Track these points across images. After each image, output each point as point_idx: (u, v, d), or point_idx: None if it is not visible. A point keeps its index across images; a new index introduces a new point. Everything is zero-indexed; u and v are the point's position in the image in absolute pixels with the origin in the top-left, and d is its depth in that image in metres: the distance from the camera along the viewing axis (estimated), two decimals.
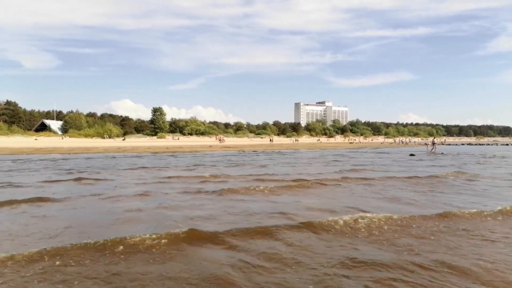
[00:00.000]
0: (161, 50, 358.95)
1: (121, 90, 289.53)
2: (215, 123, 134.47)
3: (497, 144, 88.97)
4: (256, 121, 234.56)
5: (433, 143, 46.14)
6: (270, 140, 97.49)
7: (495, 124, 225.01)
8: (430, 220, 7.14)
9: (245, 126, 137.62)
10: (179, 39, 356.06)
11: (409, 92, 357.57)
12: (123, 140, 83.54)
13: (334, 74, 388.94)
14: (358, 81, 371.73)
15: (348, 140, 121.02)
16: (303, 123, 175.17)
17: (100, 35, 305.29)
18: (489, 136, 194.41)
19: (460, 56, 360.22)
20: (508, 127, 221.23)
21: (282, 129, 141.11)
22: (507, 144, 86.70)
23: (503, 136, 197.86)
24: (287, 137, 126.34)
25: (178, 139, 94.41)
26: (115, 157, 30.16)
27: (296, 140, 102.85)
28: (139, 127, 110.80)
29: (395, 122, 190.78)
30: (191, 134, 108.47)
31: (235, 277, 4.36)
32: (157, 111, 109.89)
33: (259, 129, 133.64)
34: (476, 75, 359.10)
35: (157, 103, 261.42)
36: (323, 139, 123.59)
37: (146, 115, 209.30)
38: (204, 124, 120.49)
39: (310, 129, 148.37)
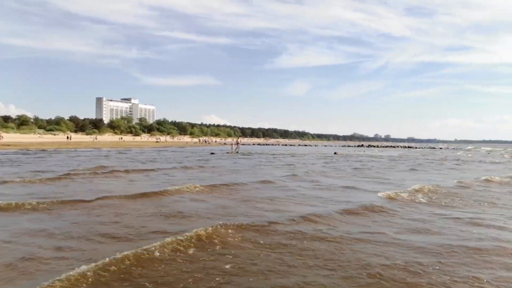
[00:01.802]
0: None
1: None
2: None
3: (279, 145, 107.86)
4: (48, 115, 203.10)
5: (237, 143, 50.68)
6: (68, 137, 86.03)
7: (278, 128, 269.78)
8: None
9: (32, 120, 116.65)
10: None
11: (213, 96, 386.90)
12: None
13: (141, 71, 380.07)
14: (166, 80, 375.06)
15: (155, 139, 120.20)
16: (106, 120, 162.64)
17: None
18: (274, 138, 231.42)
19: (254, 67, 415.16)
20: (287, 131, 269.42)
21: (80, 126, 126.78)
22: (289, 145, 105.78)
23: (283, 138, 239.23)
24: (87, 134, 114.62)
25: None
26: None
27: (95, 138, 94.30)
28: None
29: (199, 122, 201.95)
30: None
31: None
32: None
33: (52, 125, 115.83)
34: (266, 85, 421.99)
35: None
36: (129, 138, 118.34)
37: None
38: None
39: (114, 127, 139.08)
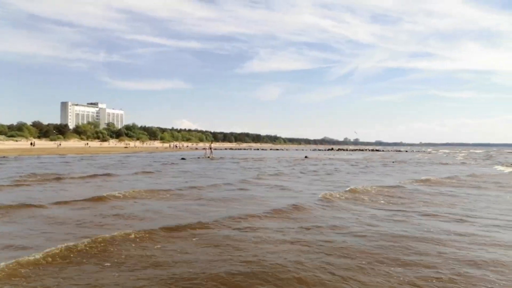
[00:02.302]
0: None
1: None
2: None
3: (251, 149, 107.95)
4: (9, 120, 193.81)
5: (210, 148, 50.23)
6: (31, 144, 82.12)
7: (250, 132, 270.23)
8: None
9: None
10: None
11: (184, 100, 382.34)
12: None
13: (109, 75, 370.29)
14: (135, 84, 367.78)
15: (124, 144, 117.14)
16: (72, 125, 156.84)
17: None
18: (246, 142, 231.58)
19: (225, 72, 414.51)
20: (259, 135, 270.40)
21: (44, 131, 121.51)
22: (261, 149, 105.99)
23: (255, 142, 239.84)
24: (51, 140, 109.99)
25: None
26: None
27: (59, 144, 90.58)
28: None
29: (170, 127, 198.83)
30: None
31: None
32: None
33: (13, 131, 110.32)
34: (238, 90, 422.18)
35: None
36: (96, 143, 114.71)
37: None
38: None
39: (80, 132, 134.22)
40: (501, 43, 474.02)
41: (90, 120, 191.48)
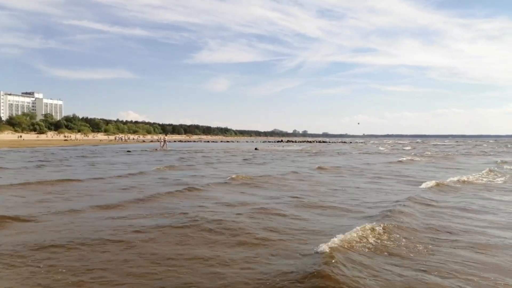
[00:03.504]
0: None
1: None
2: None
3: (201, 141, 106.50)
4: None
5: (164, 141, 49.58)
6: None
7: (200, 124, 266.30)
8: None
9: None
10: None
11: (130, 91, 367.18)
12: None
13: (46, 62, 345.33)
14: (75, 73, 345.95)
15: (63, 137, 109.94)
16: (4, 117, 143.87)
17: None
18: (196, 134, 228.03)
19: (173, 62, 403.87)
20: (210, 127, 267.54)
21: None
22: (212, 141, 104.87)
23: (206, 134, 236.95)
24: None
25: None
26: None
27: None
28: None
29: (115, 119, 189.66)
30: None
31: None
32: None
33: None
34: (187, 81, 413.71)
35: None
36: (32, 136, 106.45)
37: None
38: None
39: (14, 124, 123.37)
40: (436, 40, 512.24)
41: (25, 111, 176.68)
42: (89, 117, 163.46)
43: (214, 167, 20.15)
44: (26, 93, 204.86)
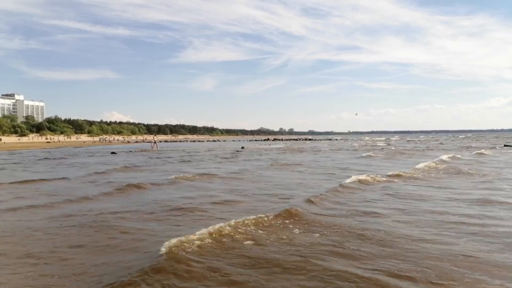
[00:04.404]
0: None
1: None
2: None
3: (187, 141, 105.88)
4: None
5: (155, 142, 49.29)
6: None
7: (186, 124, 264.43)
8: None
9: None
10: None
11: (114, 91, 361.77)
12: None
13: (27, 63, 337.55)
14: (57, 74, 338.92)
15: (46, 139, 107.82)
16: None
17: None
18: (182, 134, 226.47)
19: (158, 61, 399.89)
20: (196, 127, 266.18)
21: None
22: (198, 141, 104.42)
23: (192, 134, 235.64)
24: None
25: None
26: None
27: None
28: None
29: (99, 120, 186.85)
30: None
31: None
32: None
33: None
34: (172, 80, 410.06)
35: None
36: (13, 138, 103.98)
37: None
38: None
39: None
40: (418, 37, 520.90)
41: (5, 113, 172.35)
42: (72, 119, 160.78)
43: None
44: (7, 95, 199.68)
